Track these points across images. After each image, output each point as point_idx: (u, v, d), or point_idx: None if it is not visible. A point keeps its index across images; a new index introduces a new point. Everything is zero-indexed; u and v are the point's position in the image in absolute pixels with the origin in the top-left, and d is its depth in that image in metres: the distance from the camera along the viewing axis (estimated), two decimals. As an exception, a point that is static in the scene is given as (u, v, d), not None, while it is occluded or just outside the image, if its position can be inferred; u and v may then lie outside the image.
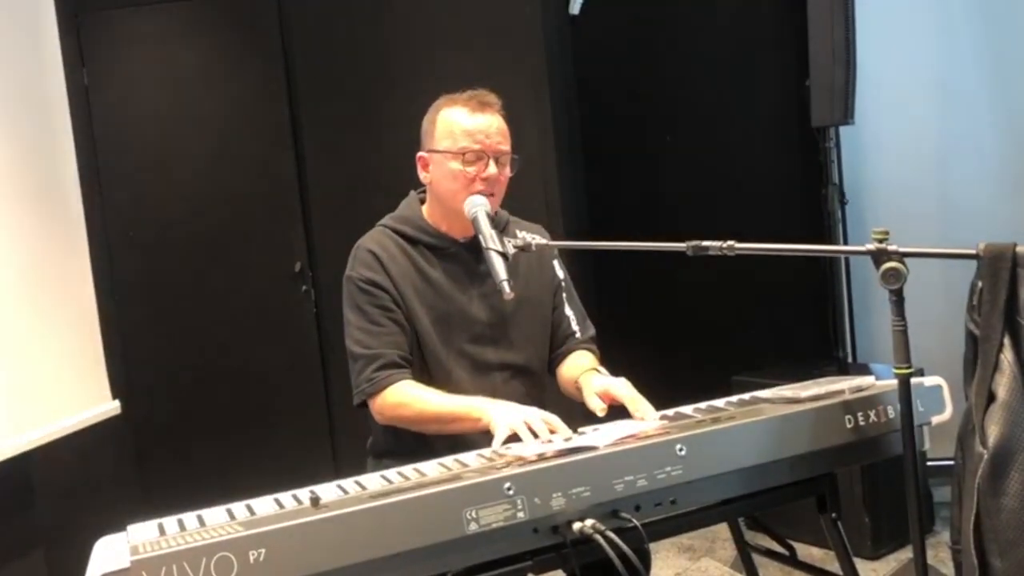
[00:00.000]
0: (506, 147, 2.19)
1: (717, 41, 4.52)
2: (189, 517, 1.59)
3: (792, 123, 4.27)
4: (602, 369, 2.18)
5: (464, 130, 2.15)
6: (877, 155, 4.34)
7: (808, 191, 4.23)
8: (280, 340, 4.44)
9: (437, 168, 2.19)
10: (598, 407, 2.00)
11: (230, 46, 4.45)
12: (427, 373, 2.17)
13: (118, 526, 1.58)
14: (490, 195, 2.15)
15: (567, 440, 1.77)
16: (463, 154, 2.14)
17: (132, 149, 4.39)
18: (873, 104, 4.12)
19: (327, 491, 1.66)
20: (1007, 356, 1.61)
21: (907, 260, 1.63)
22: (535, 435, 1.83)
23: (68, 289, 3.90)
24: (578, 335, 2.32)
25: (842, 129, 4.07)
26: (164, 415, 4.41)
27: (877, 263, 1.64)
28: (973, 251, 1.65)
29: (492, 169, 2.15)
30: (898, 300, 1.64)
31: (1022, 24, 4.11)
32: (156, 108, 4.41)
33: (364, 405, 2.16)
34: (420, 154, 2.24)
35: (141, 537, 1.50)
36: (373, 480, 1.73)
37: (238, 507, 1.62)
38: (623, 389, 2.01)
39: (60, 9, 4.06)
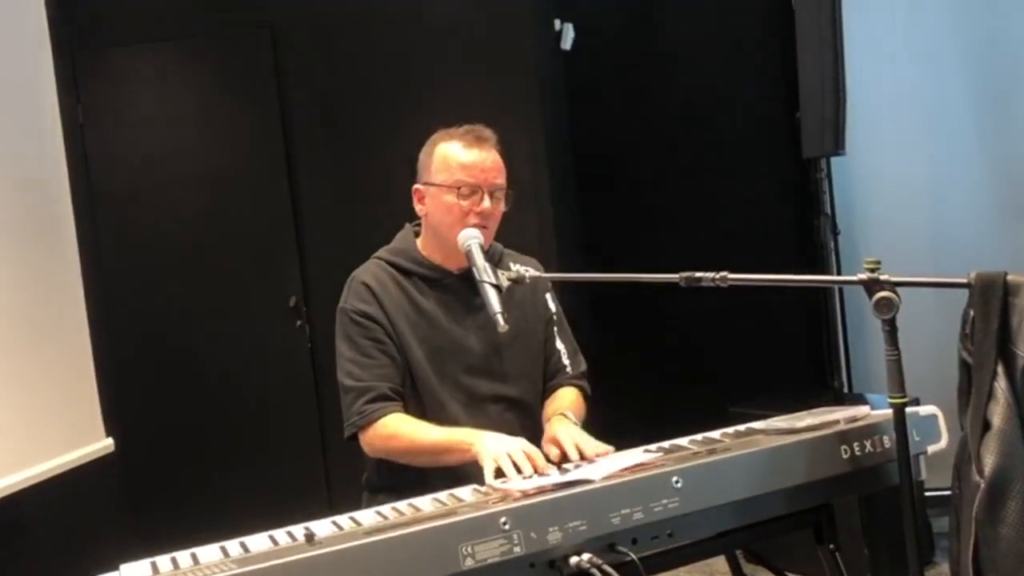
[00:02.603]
0: (501, 181, 2.20)
1: (708, 73, 4.55)
2: (183, 555, 1.58)
3: (784, 155, 4.30)
4: (570, 414, 2.17)
5: (460, 164, 2.17)
6: (869, 186, 4.37)
7: (801, 222, 4.24)
8: (275, 375, 4.42)
9: (432, 201, 2.21)
10: (551, 455, 2.00)
11: (225, 83, 4.48)
12: (421, 406, 2.17)
13: (111, 565, 1.57)
14: (483, 228, 2.16)
15: (563, 473, 1.77)
16: (458, 187, 2.16)
17: (127, 186, 4.41)
18: (864, 135, 4.15)
19: (322, 527, 1.65)
20: (1001, 384, 1.61)
21: (900, 289, 1.64)
22: (518, 469, 1.83)
23: (61, 326, 3.89)
24: (569, 370, 2.32)
25: (834, 160, 4.09)
26: (158, 452, 4.38)
27: (869, 293, 1.64)
28: (964, 280, 1.65)
29: (487, 203, 2.16)
30: (891, 330, 1.64)
31: (1010, 54, 4.16)
32: (151, 145, 4.43)
33: (355, 438, 2.15)
34: (416, 186, 2.26)
35: (134, 576, 1.49)
36: (368, 516, 1.72)
37: (232, 544, 1.61)
38: (565, 437, 2.01)
39: (56, 46, 4.08)
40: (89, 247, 4.20)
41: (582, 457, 1.96)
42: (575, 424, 2.12)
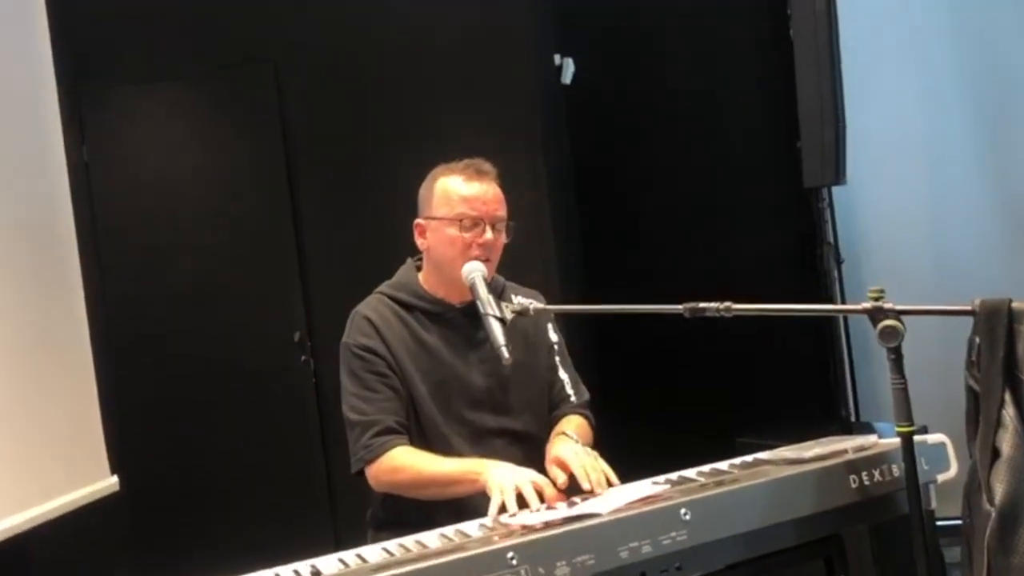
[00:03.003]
0: (502, 213, 2.21)
1: (709, 104, 4.58)
2: (188, 594, 1.57)
3: (786, 184, 4.31)
4: (571, 432, 2.15)
5: (461, 197, 2.18)
6: (871, 214, 4.38)
7: (804, 251, 4.25)
8: (280, 410, 4.41)
9: (434, 235, 2.22)
10: (558, 478, 1.98)
11: (229, 122, 4.51)
12: (424, 440, 2.16)
13: (116, 605, 1.55)
14: (486, 261, 2.16)
15: (571, 507, 1.76)
16: (460, 220, 2.17)
17: (131, 224, 4.43)
18: (866, 163, 4.17)
19: (327, 564, 1.64)
20: (1009, 412, 1.60)
21: (904, 317, 1.63)
22: (523, 504, 1.82)
23: (66, 363, 3.89)
24: (572, 399, 2.31)
25: (837, 189, 4.11)
26: (163, 490, 4.36)
27: (874, 321, 1.64)
28: (969, 307, 1.65)
29: (488, 235, 2.17)
30: (896, 358, 1.64)
31: (1010, 82, 4.18)
32: (155, 182, 4.46)
33: (362, 473, 2.14)
34: (417, 221, 2.26)
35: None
36: (374, 552, 1.71)
37: (238, 583, 1.60)
38: (571, 456, 1.98)
39: (61, 85, 4.12)
40: (94, 284, 4.21)
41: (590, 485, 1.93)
42: (576, 441, 2.10)
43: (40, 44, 4.01)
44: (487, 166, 2.24)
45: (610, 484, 1.93)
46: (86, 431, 3.95)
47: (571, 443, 2.08)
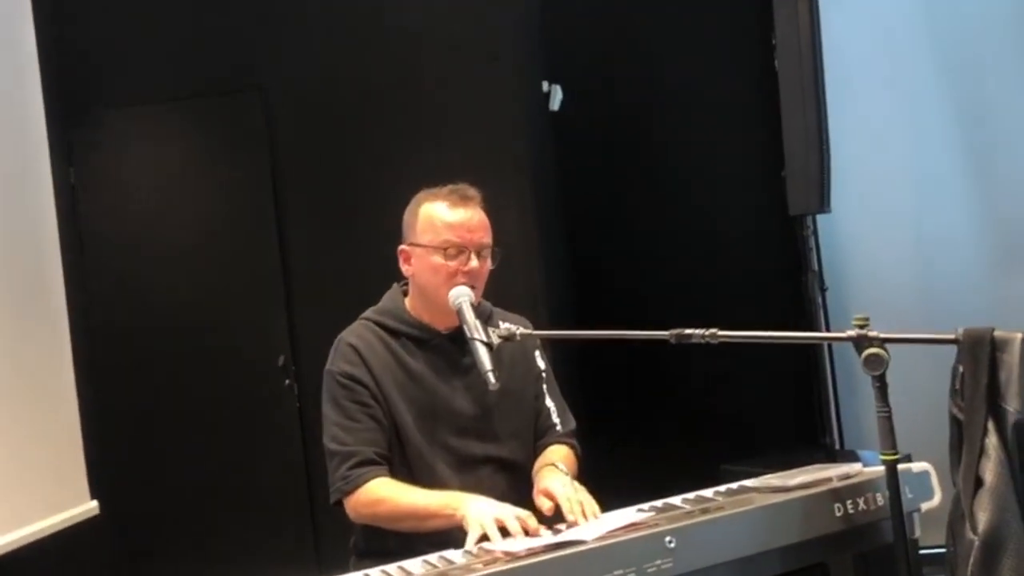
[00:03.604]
0: (487, 240, 2.20)
1: (695, 132, 4.61)
2: (168, 621, 1.55)
3: (771, 212, 4.34)
4: (561, 465, 2.15)
5: (446, 224, 2.17)
6: (856, 242, 4.41)
7: (789, 278, 4.27)
8: (263, 435, 4.38)
9: (419, 261, 2.21)
10: (544, 507, 1.97)
11: (216, 145, 4.51)
12: (409, 468, 2.15)
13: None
14: (471, 288, 2.16)
15: (555, 534, 1.75)
16: (445, 248, 2.16)
17: (118, 247, 4.41)
18: (850, 191, 4.20)
19: (310, 591, 1.62)
20: (992, 440, 1.61)
21: (889, 345, 1.64)
22: (507, 534, 1.80)
23: (48, 387, 3.86)
24: (559, 428, 2.30)
25: (821, 216, 4.13)
26: (144, 515, 4.32)
27: (859, 349, 1.65)
28: (953, 336, 1.66)
29: (474, 263, 2.16)
30: (881, 386, 1.64)
31: (995, 109, 4.23)
32: (142, 205, 4.45)
33: (340, 504, 2.13)
34: (402, 247, 2.25)
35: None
36: (357, 579, 1.70)
37: (218, 610, 1.58)
38: (559, 488, 1.98)
39: (49, 109, 4.12)
40: (78, 308, 4.19)
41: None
42: (566, 474, 2.10)
43: (29, 66, 4.01)
44: (472, 191, 2.22)
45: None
46: (66, 455, 3.92)
47: (560, 475, 2.07)
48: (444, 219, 2.17)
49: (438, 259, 2.16)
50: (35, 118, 4.04)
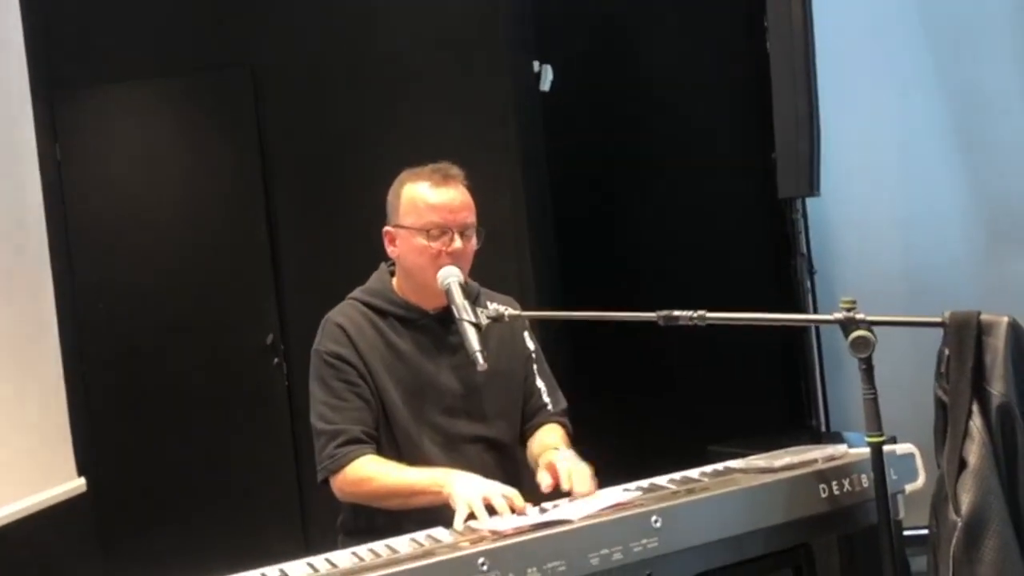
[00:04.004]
0: (471, 220, 2.19)
1: (685, 114, 4.61)
2: (154, 598, 1.55)
3: (761, 194, 4.34)
4: (563, 447, 2.15)
5: (428, 205, 2.15)
6: (844, 225, 4.42)
7: (777, 261, 4.28)
8: (251, 414, 4.38)
9: (403, 243, 2.20)
10: (543, 483, 1.98)
11: (203, 120, 4.48)
12: (396, 448, 2.15)
13: (81, 608, 1.54)
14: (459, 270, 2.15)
15: (542, 513, 1.75)
16: (428, 230, 2.15)
17: (104, 223, 4.39)
18: (839, 175, 4.21)
19: (297, 569, 1.63)
20: (976, 423, 1.62)
21: (876, 328, 1.65)
22: (493, 512, 1.81)
23: (35, 364, 3.85)
24: (549, 408, 2.30)
25: (810, 200, 4.14)
26: (130, 492, 4.31)
27: (846, 332, 1.65)
28: (939, 319, 1.67)
29: (457, 243, 2.15)
30: (867, 368, 1.65)
31: (981, 93, 4.24)
32: (129, 182, 4.42)
33: (327, 483, 2.13)
34: (386, 229, 2.24)
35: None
36: (344, 557, 1.70)
37: (205, 587, 1.59)
38: (562, 462, 1.99)
39: (34, 84, 4.08)
40: (65, 284, 4.17)
41: (570, 493, 1.93)
42: (572, 456, 2.10)
43: (14, 40, 3.97)
44: (454, 170, 2.20)
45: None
46: (53, 432, 3.91)
47: (567, 454, 2.07)
48: (427, 200, 2.16)
49: (422, 240, 2.15)
50: (20, 93, 4.00)
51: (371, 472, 2.07)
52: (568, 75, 4.63)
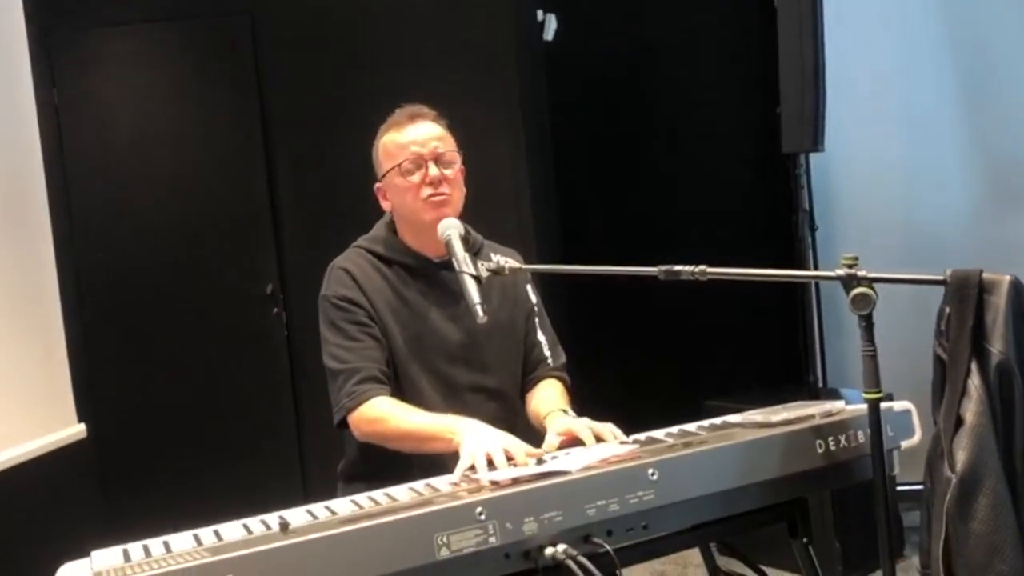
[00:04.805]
0: (442, 148, 2.19)
1: (689, 68, 4.57)
2: (155, 543, 1.57)
3: (763, 149, 4.31)
4: (569, 409, 2.17)
5: (398, 145, 2.19)
6: (847, 181, 4.40)
7: (779, 216, 4.27)
8: (251, 362, 4.40)
9: (391, 192, 2.22)
10: (553, 445, 1.98)
11: (202, 67, 4.44)
12: (399, 392, 2.16)
13: (82, 552, 1.55)
14: (444, 199, 2.15)
15: (539, 464, 1.77)
16: (401, 166, 2.16)
17: (102, 169, 4.36)
18: (843, 130, 4.18)
19: (296, 516, 1.64)
20: (974, 381, 1.63)
21: (876, 285, 1.64)
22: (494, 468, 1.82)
23: (35, 310, 3.85)
24: (550, 362, 2.31)
25: (812, 155, 4.12)
26: (131, 439, 4.35)
27: (847, 288, 1.65)
28: (940, 277, 1.66)
29: (433, 171, 2.16)
30: (867, 325, 1.65)
31: (987, 51, 4.20)
32: (127, 128, 4.39)
33: (344, 425, 2.14)
34: (377, 185, 2.26)
35: (105, 563, 1.48)
36: (343, 505, 1.71)
37: (205, 532, 1.60)
38: (583, 428, 1.99)
39: (31, 29, 4.03)
40: (63, 231, 4.16)
41: (599, 440, 1.94)
42: (574, 417, 2.11)
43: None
44: (422, 108, 2.24)
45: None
46: (53, 378, 3.93)
47: (574, 418, 2.08)
48: (396, 141, 2.20)
49: (401, 180, 2.17)
50: (17, 36, 3.95)
51: (388, 412, 2.08)
52: (572, 25, 4.57)
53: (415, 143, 2.17)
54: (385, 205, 2.26)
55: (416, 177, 2.16)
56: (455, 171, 2.21)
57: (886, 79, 4.30)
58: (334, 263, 2.25)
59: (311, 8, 4.35)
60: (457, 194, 2.21)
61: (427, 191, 2.14)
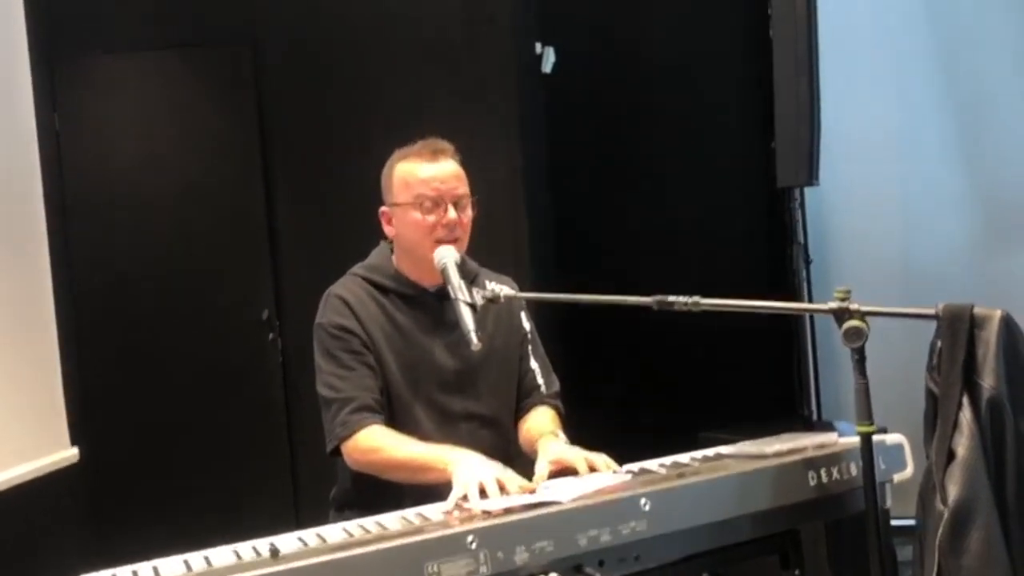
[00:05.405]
0: (463, 190, 2.20)
1: (685, 101, 4.60)
2: (145, 567, 1.56)
3: (759, 182, 4.34)
4: (561, 434, 2.17)
5: (419, 179, 2.18)
6: (842, 215, 4.42)
7: (773, 249, 4.28)
8: (245, 388, 4.39)
9: (399, 221, 2.22)
10: (543, 473, 1.97)
11: (203, 94, 4.46)
12: (393, 420, 2.16)
13: (72, 576, 1.55)
14: (454, 240, 2.16)
15: (531, 493, 1.76)
16: (420, 203, 2.16)
17: (102, 194, 4.37)
18: (838, 164, 4.21)
19: (287, 542, 1.64)
20: (966, 415, 1.63)
21: (869, 319, 1.65)
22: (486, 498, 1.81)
23: (30, 334, 3.84)
24: (543, 389, 2.31)
25: (807, 189, 4.14)
26: (123, 463, 4.32)
27: (839, 321, 1.66)
28: (932, 311, 1.68)
29: (452, 214, 2.17)
30: (860, 358, 1.66)
31: (982, 86, 4.24)
32: (127, 154, 4.41)
33: (337, 453, 2.14)
34: (382, 209, 2.26)
35: (95, 588, 1.47)
36: (334, 532, 1.71)
37: (195, 558, 1.59)
38: (578, 458, 1.99)
39: (34, 53, 4.05)
40: (60, 253, 4.16)
41: (592, 469, 1.94)
42: (566, 443, 2.11)
43: (14, 9, 3.94)
44: (444, 144, 2.23)
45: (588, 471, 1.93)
46: (47, 402, 3.91)
47: (565, 445, 2.08)
48: (417, 175, 2.18)
49: (416, 215, 2.17)
50: (20, 61, 3.98)
51: (381, 442, 2.08)
52: (571, 58, 4.61)
53: (437, 181, 2.17)
54: (388, 230, 2.26)
55: (433, 217, 2.16)
56: (469, 216, 2.22)
57: (880, 114, 4.34)
58: (330, 290, 2.25)
59: (312, 36, 4.39)
60: (466, 238, 2.22)
61: (440, 232, 2.15)
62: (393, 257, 2.29)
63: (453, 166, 2.21)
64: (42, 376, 3.90)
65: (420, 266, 2.21)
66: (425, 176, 2.17)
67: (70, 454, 3.97)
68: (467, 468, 1.91)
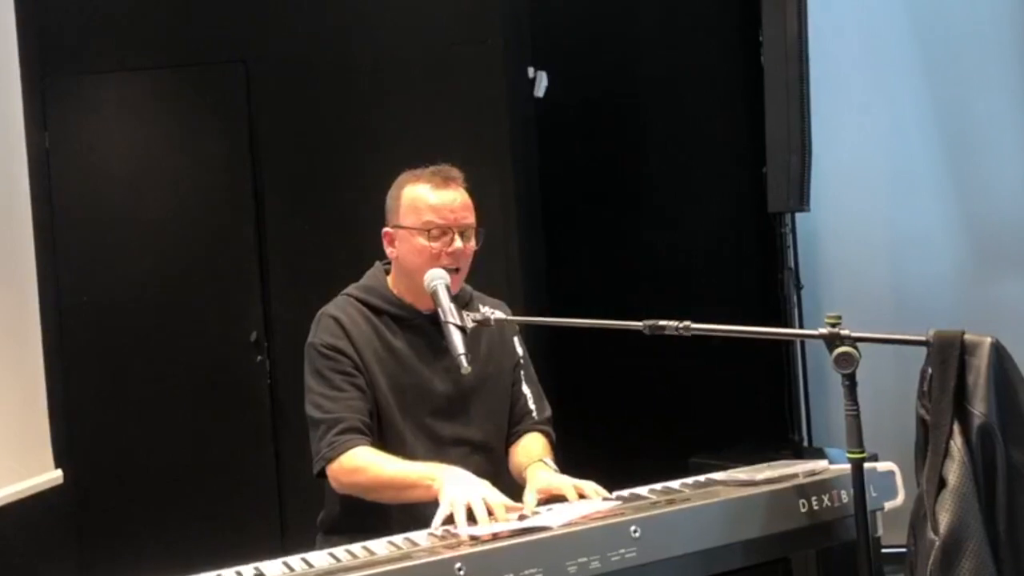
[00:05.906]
0: (470, 220, 2.21)
1: (677, 126, 4.62)
2: (127, 593, 1.54)
3: (750, 208, 4.35)
4: (550, 461, 2.15)
5: (428, 206, 2.17)
6: (832, 240, 4.44)
7: (765, 275, 4.29)
8: (232, 410, 4.35)
9: (403, 244, 2.21)
10: (530, 503, 1.96)
11: (195, 115, 4.46)
12: (383, 443, 2.14)
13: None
14: (456, 270, 2.16)
15: (521, 519, 1.75)
16: (428, 230, 2.16)
17: (90, 214, 4.35)
18: (828, 190, 4.22)
19: (272, 568, 1.62)
20: (956, 443, 1.63)
21: (860, 345, 1.65)
22: (473, 519, 1.80)
23: (15, 355, 3.82)
24: (535, 415, 2.30)
25: (798, 214, 4.15)
26: (108, 485, 4.28)
27: (830, 347, 1.66)
28: (923, 338, 1.67)
29: (458, 243, 2.17)
30: (851, 384, 1.65)
31: (971, 114, 4.27)
32: (117, 174, 4.39)
33: (323, 475, 2.12)
34: (385, 229, 2.25)
35: (75, 614, 1.45)
36: (320, 558, 1.69)
37: (179, 583, 1.57)
38: (566, 486, 1.98)
39: (25, 72, 4.05)
40: (48, 276, 4.14)
41: (581, 496, 1.93)
42: (555, 471, 2.10)
43: (6, 28, 3.95)
44: (454, 172, 2.23)
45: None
46: (31, 424, 3.88)
47: (550, 471, 2.07)
48: (427, 201, 2.18)
49: (422, 241, 2.16)
50: (10, 81, 3.97)
51: (367, 462, 2.06)
52: (563, 82, 4.63)
53: (447, 209, 2.17)
54: (390, 252, 2.25)
55: (438, 244, 2.16)
56: (473, 247, 2.22)
57: (871, 140, 4.37)
58: (323, 310, 2.24)
59: (304, 59, 4.39)
60: (467, 268, 2.22)
61: (445, 261, 2.15)
62: (389, 279, 2.29)
63: (463, 195, 2.21)
64: (27, 398, 3.87)
65: (417, 289, 2.20)
66: (435, 203, 2.17)
67: (54, 476, 3.93)
68: (454, 485, 1.90)
